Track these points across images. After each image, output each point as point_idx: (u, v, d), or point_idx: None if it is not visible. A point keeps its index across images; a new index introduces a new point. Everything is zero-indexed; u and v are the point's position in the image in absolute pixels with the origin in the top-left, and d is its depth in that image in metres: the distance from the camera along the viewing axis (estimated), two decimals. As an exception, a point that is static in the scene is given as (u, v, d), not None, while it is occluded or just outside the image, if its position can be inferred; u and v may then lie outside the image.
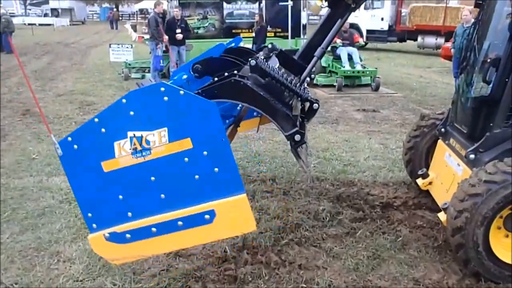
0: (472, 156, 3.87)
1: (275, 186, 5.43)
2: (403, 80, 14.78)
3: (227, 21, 16.51)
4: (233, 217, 2.85)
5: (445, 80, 14.59)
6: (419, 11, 23.27)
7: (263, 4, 16.43)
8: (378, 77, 12.66)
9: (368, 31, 24.53)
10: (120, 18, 56.80)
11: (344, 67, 12.69)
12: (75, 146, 2.82)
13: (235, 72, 3.68)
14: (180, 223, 2.86)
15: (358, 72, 12.75)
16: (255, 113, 5.03)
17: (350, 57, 12.85)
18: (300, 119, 3.45)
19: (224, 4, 16.53)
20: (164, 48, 13.48)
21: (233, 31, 16.41)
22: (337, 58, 12.98)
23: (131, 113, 2.73)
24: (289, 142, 3.31)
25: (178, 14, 13.32)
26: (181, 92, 2.69)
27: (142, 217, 2.90)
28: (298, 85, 3.54)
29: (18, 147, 7.04)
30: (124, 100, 2.73)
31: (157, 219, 2.88)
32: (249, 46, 14.91)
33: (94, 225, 2.96)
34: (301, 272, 3.69)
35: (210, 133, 2.72)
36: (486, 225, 3.41)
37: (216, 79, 3.76)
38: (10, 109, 9.72)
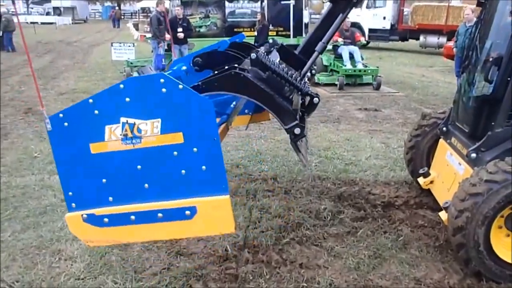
0: (473, 155, 3.87)
1: (276, 185, 5.43)
2: (405, 79, 14.76)
3: (229, 20, 16.50)
4: (213, 216, 2.84)
5: (447, 79, 14.56)
6: (421, 10, 23.23)
7: (265, 2, 16.42)
8: (380, 76, 12.65)
9: (370, 30, 24.52)
10: (122, 16, 56.81)
11: (345, 66, 12.68)
12: (66, 124, 2.79)
13: (236, 65, 3.67)
14: (160, 215, 2.84)
15: (360, 71, 12.74)
16: (246, 110, 5.01)
17: (351, 56, 12.84)
18: (300, 113, 3.45)
19: (226, 2, 16.51)
20: (166, 47, 13.49)
21: (235, 29, 16.39)
22: (339, 57, 12.97)
23: (127, 99, 2.72)
24: (288, 135, 3.31)
25: (180, 13, 13.33)
26: (180, 86, 2.68)
27: (122, 204, 2.88)
28: (298, 79, 3.53)
29: (20, 145, 7.05)
30: (121, 86, 2.71)
31: (137, 207, 2.86)
32: (251, 44, 14.95)
33: (73, 204, 2.93)
34: (302, 271, 3.69)
35: (203, 131, 2.71)
36: (487, 224, 3.41)
37: (216, 72, 3.73)
38: (12, 108, 9.75)
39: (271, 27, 15.56)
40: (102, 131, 2.78)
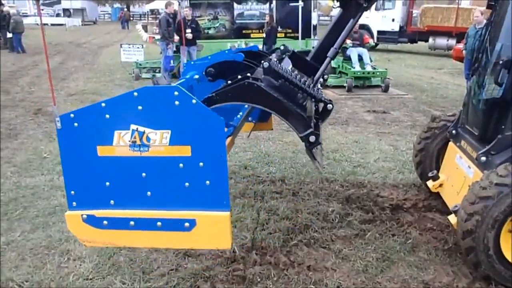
0: (483, 158, 3.84)
1: (284, 187, 5.43)
2: (414, 81, 14.69)
3: (237, 21, 16.55)
4: (211, 231, 2.87)
5: (456, 82, 14.48)
6: (430, 12, 23.11)
7: (273, 4, 16.47)
8: (388, 78, 12.60)
9: (379, 32, 24.42)
10: (131, 18, 57.09)
11: (354, 68, 12.64)
12: (75, 124, 2.83)
13: (248, 74, 3.69)
14: (159, 223, 2.87)
15: (368, 73, 12.70)
16: (249, 118, 5.03)
17: (360, 58, 12.80)
18: (315, 120, 3.45)
19: (235, 4, 16.57)
20: (174, 49, 13.53)
21: (244, 31, 16.47)
22: (347, 59, 12.93)
23: (139, 107, 2.75)
24: (304, 143, 3.31)
25: (188, 14, 13.37)
26: (194, 101, 2.71)
27: (123, 208, 2.91)
28: (311, 86, 3.53)
29: (30, 146, 7.10)
30: (135, 93, 2.75)
31: (137, 214, 2.89)
32: (260, 46, 14.98)
33: (74, 203, 2.96)
34: (309, 273, 3.68)
35: (211, 147, 2.75)
36: (497, 228, 3.39)
37: (229, 82, 3.78)
38: (22, 108, 9.82)
39: (279, 29, 15.58)
40: (111, 135, 2.81)
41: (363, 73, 12.64)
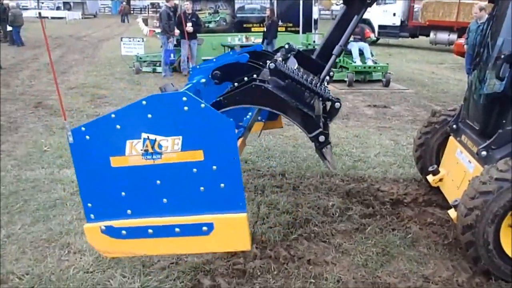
0: (483, 153, 3.84)
1: (284, 181, 5.43)
2: (414, 76, 14.67)
3: (238, 15, 16.49)
4: (230, 233, 2.88)
5: (457, 77, 14.45)
6: (431, 6, 23.04)
7: (274, -2, 16.40)
8: (389, 73, 12.58)
9: (380, 27, 24.36)
10: (132, 12, 56.91)
11: (355, 62, 12.61)
12: (87, 137, 2.85)
13: (255, 76, 3.70)
14: (177, 229, 2.89)
15: (369, 67, 12.67)
16: (259, 117, 5.03)
17: (361, 53, 12.77)
18: (323, 119, 3.46)
19: (235, -2, 16.50)
20: (175, 42, 13.49)
21: (244, 25, 16.41)
22: (348, 53, 12.90)
23: (149, 115, 2.77)
24: (313, 143, 3.32)
25: (189, 8, 13.32)
26: (202, 105, 2.72)
27: (141, 217, 2.93)
28: (318, 85, 3.53)
29: (30, 139, 7.10)
30: (144, 102, 2.76)
31: (155, 221, 2.91)
32: (260, 40, 14.95)
33: (92, 216, 2.99)
34: (310, 267, 3.69)
35: (223, 150, 2.76)
36: (497, 223, 3.39)
37: (236, 84, 3.80)
38: (22, 102, 9.81)
39: (280, 23, 15.52)
40: (123, 145, 2.83)
41: (364, 67, 12.62)
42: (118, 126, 2.80)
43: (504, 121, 3.82)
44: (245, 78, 3.80)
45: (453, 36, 21.53)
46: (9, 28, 21.54)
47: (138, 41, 14.86)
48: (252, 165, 5.98)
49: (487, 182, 3.42)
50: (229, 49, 15.60)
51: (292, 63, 4.04)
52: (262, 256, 3.82)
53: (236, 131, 4.22)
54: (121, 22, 44.28)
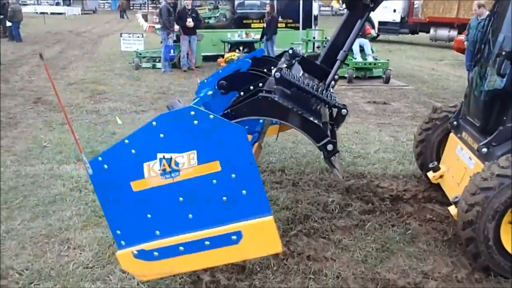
0: (484, 149, 3.83)
1: (284, 177, 5.43)
2: (414, 72, 14.65)
3: (238, 11, 16.45)
4: (259, 238, 2.90)
5: (457, 73, 14.44)
6: (432, 3, 22.97)
7: (274, -6, 16.34)
8: (390, 69, 12.55)
9: (380, 23, 24.31)
10: (131, 7, 56.79)
11: (355, 58, 12.59)
12: (105, 166, 2.89)
13: (260, 84, 3.73)
14: (207, 242, 2.91)
15: (370, 64, 12.65)
16: (274, 121, 5.06)
17: (361, 49, 12.74)
18: (330, 126, 3.47)
19: (236, -6, 16.45)
20: (175, 38, 13.47)
21: (244, 21, 16.37)
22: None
23: (161, 135, 2.79)
24: (322, 152, 3.33)
25: (189, 4, 13.29)
26: (211, 116, 2.73)
27: (170, 236, 2.96)
28: (324, 91, 3.55)
29: (30, 134, 7.09)
30: (154, 123, 2.78)
31: (184, 238, 2.94)
32: (259, 36, 14.92)
33: (122, 242, 3.03)
34: (309, 263, 3.69)
35: (238, 157, 2.76)
36: (497, 219, 3.39)
37: (242, 93, 3.85)
38: (21, 97, 9.80)
39: (280, 19, 15.48)
40: (141, 168, 2.85)
41: (365, 64, 12.60)
42: (133, 151, 2.84)
43: (505, 118, 3.81)
44: (251, 87, 3.84)
45: (453, 33, 21.49)
46: (8, 24, 21.48)
47: (138, 37, 14.84)
48: (252, 161, 5.96)
49: (488, 178, 3.42)
50: (229, 45, 15.61)
51: (297, 70, 4.06)
52: (261, 252, 3.81)
53: (251, 137, 4.27)
54: (120, 18, 44.20)
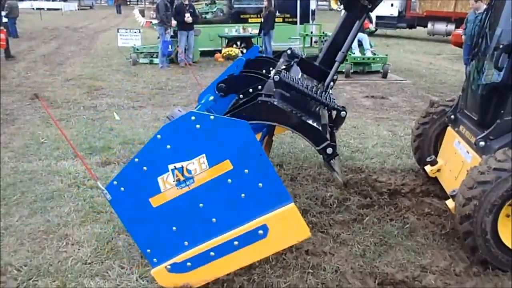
0: (482, 143, 3.84)
1: (282, 172, 5.43)
2: (412, 67, 14.65)
3: (235, 6, 16.40)
4: (285, 227, 2.92)
5: (455, 67, 14.45)
6: (429, -3, 22.96)
7: (272, -11, 16.28)
8: (387, 64, 12.54)
9: (378, 17, 24.22)
10: (128, 3, 56.55)
11: (354, 53, 12.56)
12: (122, 189, 2.94)
13: (259, 87, 3.76)
14: (236, 242, 2.95)
15: (368, 58, 12.63)
16: None
17: (360, 44, 12.71)
18: (329, 129, 3.47)
19: (233, -12, 16.39)
20: (172, 33, 13.42)
21: (241, 16, 16.32)
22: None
23: (168, 146, 2.82)
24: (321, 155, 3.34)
25: (186, -2, 13.24)
26: (212, 117, 2.76)
27: (198, 244, 3.00)
28: (323, 93, 3.56)
29: (27, 131, 7.07)
30: (159, 136, 2.82)
31: (213, 243, 2.98)
32: (256, 31, 14.88)
33: (154, 260, 3.08)
34: (308, 257, 3.69)
35: (247, 151, 2.78)
36: (495, 212, 3.39)
37: (241, 96, 3.88)
38: (19, 94, 9.76)
39: (277, 14, 15.45)
40: (156, 183, 2.90)
41: (363, 58, 12.58)
42: (144, 168, 2.88)
43: (502, 111, 3.81)
44: (250, 90, 3.87)
45: (451, 27, 21.48)
46: (4, 20, 21.35)
47: (135, 32, 14.79)
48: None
49: (485, 172, 3.43)
50: (226, 40, 15.56)
51: (296, 72, 4.06)
52: (260, 246, 3.82)
53: (260, 135, 4.26)
54: (117, 13, 44.06)
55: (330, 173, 3.59)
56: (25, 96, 9.49)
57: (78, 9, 51.23)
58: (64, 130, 3.17)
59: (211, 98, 4.34)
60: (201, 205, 2.93)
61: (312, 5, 17.40)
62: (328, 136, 3.36)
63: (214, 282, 3.22)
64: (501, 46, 3.77)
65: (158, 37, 13.84)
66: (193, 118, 2.75)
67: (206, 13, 16.76)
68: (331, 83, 4.01)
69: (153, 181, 2.90)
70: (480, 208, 3.39)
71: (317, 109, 3.64)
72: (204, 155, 2.82)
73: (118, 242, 3.89)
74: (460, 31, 12.54)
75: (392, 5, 23.86)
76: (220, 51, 15.33)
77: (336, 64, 3.98)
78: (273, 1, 15.04)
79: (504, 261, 3.50)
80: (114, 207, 3.03)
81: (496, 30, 4.13)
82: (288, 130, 3.36)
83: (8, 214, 4.39)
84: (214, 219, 2.95)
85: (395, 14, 23.93)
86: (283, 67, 4.21)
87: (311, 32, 16.87)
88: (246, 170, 2.81)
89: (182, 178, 2.88)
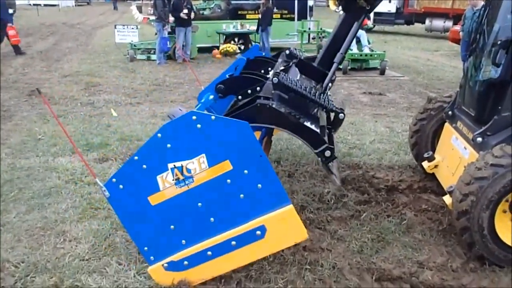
0: (479, 139, 3.84)
1: (280, 168, 5.43)
2: (410, 63, 14.65)
3: (233, 2, 16.35)
4: (283, 229, 2.95)
5: (452, 64, 14.45)
6: (427, -7, 22.93)
7: (269, -15, 16.24)
8: (385, 61, 12.54)
9: (375, 14, 24.16)
10: (126, -1, 56.27)
11: (351, 50, 12.54)
12: (121, 186, 2.94)
13: (258, 89, 3.76)
14: (233, 243, 2.97)
15: (366, 55, 12.62)
16: None
17: (358, 40, 12.69)
18: (327, 131, 3.47)
19: (230, -16, 16.34)
20: (169, 29, 13.39)
21: (239, 12, 16.28)
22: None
23: (168, 145, 2.83)
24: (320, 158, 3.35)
25: (183, -5, 13.20)
26: (213, 117, 2.77)
27: (196, 243, 3.02)
28: (321, 95, 3.57)
29: (24, 127, 7.05)
30: (159, 135, 2.82)
31: (210, 242, 2.99)
32: (254, 27, 14.86)
33: (151, 258, 3.09)
34: (305, 253, 3.70)
35: (247, 152, 2.80)
36: (492, 208, 3.40)
37: (240, 97, 3.91)
38: (16, 90, 9.72)
39: (275, 10, 15.42)
40: (155, 182, 2.91)
41: (361, 55, 12.57)
42: (144, 166, 2.88)
43: (500, 108, 3.82)
44: (249, 91, 3.88)
45: (449, 23, 21.48)
46: (10, 11, 21.23)
47: (132, 28, 14.75)
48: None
49: (482, 168, 3.43)
50: (224, 36, 15.53)
51: (294, 73, 4.06)
52: (258, 243, 3.82)
53: (259, 134, 4.26)
54: (114, 10, 43.88)
55: (328, 175, 3.60)
56: (22, 93, 9.46)
57: (75, 5, 50.97)
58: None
59: (211, 97, 4.34)
60: (199, 204, 2.94)
61: (310, 1, 17.36)
62: (326, 138, 3.37)
63: (212, 279, 3.23)
64: (499, 42, 3.77)
65: (156, 33, 13.80)
66: (194, 117, 2.76)
67: (204, 9, 16.70)
68: (330, 84, 4.02)
69: (152, 179, 2.91)
70: (477, 204, 3.40)
71: (316, 111, 3.64)
72: (204, 155, 2.83)
73: (115, 238, 3.89)
74: (458, 27, 12.54)
75: (390, 1, 23.83)
76: (217, 48, 15.30)
77: (334, 65, 4.00)
78: (271, -3, 15.03)
79: (501, 256, 3.51)
80: (112, 204, 3.03)
81: (494, 26, 4.13)
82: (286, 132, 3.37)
83: (6, 211, 4.38)
84: (212, 219, 2.96)
85: (393, 10, 23.91)
86: (282, 68, 4.21)
87: (309, 29, 16.84)
88: (246, 171, 2.83)
89: (181, 177, 2.89)
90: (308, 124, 3.33)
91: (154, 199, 2.96)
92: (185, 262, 3.06)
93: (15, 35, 14.35)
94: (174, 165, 2.87)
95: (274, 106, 3.24)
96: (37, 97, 9.02)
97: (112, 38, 15.49)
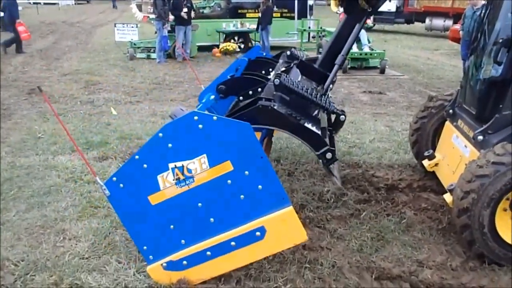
0: (480, 137, 3.84)
1: (279, 167, 5.42)
2: (410, 62, 14.64)
3: (233, 1, 16.34)
4: (283, 230, 2.94)
5: (452, 63, 14.44)
6: (427, -8, 22.91)
7: (269, -17, 16.23)
8: (385, 59, 12.52)
9: (376, 12, 24.19)
10: (125, -3, 56.21)
11: (351, 49, 12.50)
12: (121, 185, 2.94)
13: (259, 90, 3.75)
14: (233, 243, 2.97)
15: (366, 54, 12.61)
16: None
17: (358, 39, 12.66)
18: (328, 132, 3.47)
19: (230, -17, 16.32)
20: (169, 28, 13.38)
21: (239, 11, 16.27)
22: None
23: (169, 145, 2.83)
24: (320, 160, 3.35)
25: (184, -7, 13.19)
26: (214, 118, 2.76)
27: (195, 243, 3.02)
28: (322, 97, 3.57)
29: (24, 125, 7.05)
30: (160, 134, 2.82)
31: (210, 242, 2.99)
32: (254, 26, 14.84)
33: (150, 257, 3.10)
34: (305, 252, 3.69)
35: (248, 153, 2.79)
36: (493, 206, 3.40)
37: (241, 98, 3.90)
38: (15, 88, 9.71)
39: (275, 9, 15.41)
40: (156, 181, 2.91)
41: (361, 54, 12.55)
42: (145, 165, 2.88)
43: (501, 106, 3.82)
44: (250, 92, 3.87)
45: (449, 22, 21.45)
46: (1, 14, 21.22)
47: (132, 27, 14.72)
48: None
49: (484, 166, 3.43)
50: (223, 35, 15.52)
51: (296, 74, 4.06)
52: (257, 241, 3.82)
53: (260, 135, 4.26)
54: (113, 8, 43.85)
55: (329, 176, 3.60)
56: (22, 91, 9.45)
57: (75, 4, 50.92)
58: (61, 125, 3.15)
59: (212, 97, 4.33)
60: (199, 204, 2.94)
61: (310, 0, 17.35)
62: (327, 140, 3.37)
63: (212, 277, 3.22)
64: (500, 41, 3.77)
65: (155, 32, 13.78)
66: (196, 118, 2.76)
67: (204, 8, 16.70)
68: (330, 85, 4.02)
69: (152, 179, 2.91)
70: (478, 202, 3.40)
71: (316, 112, 3.64)
72: (205, 155, 2.83)
73: (115, 237, 3.88)
74: (458, 26, 12.52)
75: (390, 0, 23.78)
76: (217, 46, 15.29)
77: (335, 67, 4.00)
78: (271, -4, 15.02)
79: (501, 255, 3.51)
80: (112, 203, 3.03)
81: (495, 25, 4.12)
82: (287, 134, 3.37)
83: (5, 209, 4.38)
84: (212, 219, 2.96)
85: (393, 9, 23.86)
86: (283, 69, 4.20)
87: (309, 27, 16.82)
88: (247, 172, 2.83)
89: (182, 177, 2.89)
90: (309, 126, 3.33)
91: (154, 199, 2.96)
92: (184, 262, 3.06)
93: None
94: (175, 165, 2.87)
95: (275, 107, 3.24)
96: (37, 95, 9.02)
97: (112, 36, 15.47)
